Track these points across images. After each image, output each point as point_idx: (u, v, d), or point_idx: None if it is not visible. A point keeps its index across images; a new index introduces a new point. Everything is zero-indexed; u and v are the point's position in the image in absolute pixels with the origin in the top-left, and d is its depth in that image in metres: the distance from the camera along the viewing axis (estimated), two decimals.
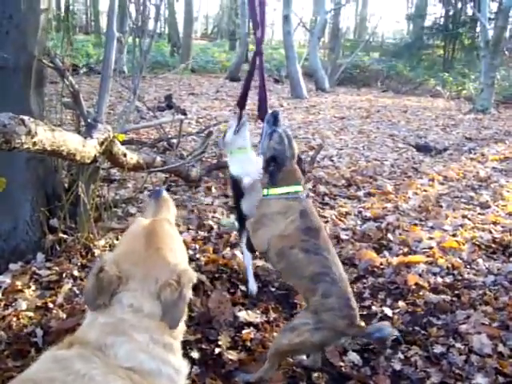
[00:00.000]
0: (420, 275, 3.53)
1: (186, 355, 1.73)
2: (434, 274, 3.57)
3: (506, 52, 17.01)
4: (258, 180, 2.86)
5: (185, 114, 7.89)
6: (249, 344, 2.73)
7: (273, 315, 3.01)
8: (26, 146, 2.25)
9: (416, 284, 3.40)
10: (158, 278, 1.58)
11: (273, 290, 3.35)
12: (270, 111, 2.91)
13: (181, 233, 3.93)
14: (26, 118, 2.25)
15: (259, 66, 3.16)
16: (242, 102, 3.33)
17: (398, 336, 2.66)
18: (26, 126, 2.21)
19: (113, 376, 1.38)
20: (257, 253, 3.69)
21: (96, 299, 1.56)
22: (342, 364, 2.63)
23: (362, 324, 2.36)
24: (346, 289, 2.38)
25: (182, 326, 1.66)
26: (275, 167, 2.59)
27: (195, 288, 3.12)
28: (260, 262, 3.59)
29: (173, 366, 1.54)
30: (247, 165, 3.20)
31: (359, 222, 4.55)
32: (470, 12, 23.80)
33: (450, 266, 3.69)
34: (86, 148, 2.91)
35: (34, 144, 2.30)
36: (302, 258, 2.40)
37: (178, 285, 1.57)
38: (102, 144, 3.17)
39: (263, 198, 2.66)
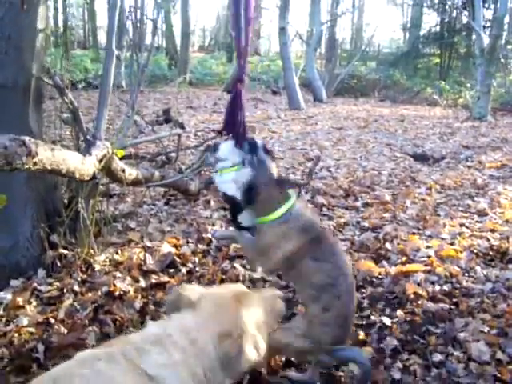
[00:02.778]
0: (418, 284, 3.55)
1: None
2: (433, 283, 3.59)
3: (502, 59, 17.10)
4: None
5: (183, 127, 7.93)
6: None
7: None
8: (26, 167, 2.29)
9: (414, 293, 3.42)
10: (223, 323, 1.69)
11: None
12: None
13: (180, 246, 3.97)
14: (26, 138, 2.28)
15: (239, 95, 2.97)
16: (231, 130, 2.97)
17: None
18: (26, 146, 2.25)
19: (131, 376, 1.46)
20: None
21: (171, 311, 1.76)
22: (341, 374, 2.64)
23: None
24: (349, 305, 2.41)
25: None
26: (253, 195, 2.47)
27: None
28: (259, 274, 3.61)
29: None
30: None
31: (357, 233, 4.57)
32: (464, 20, 23.95)
33: (448, 274, 3.71)
34: (85, 166, 2.95)
35: (35, 164, 2.34)
36: (312, 266, 2.40)
37: (239, 339, 1.67)
38: (100, 161, 3.21)
39: (259, 227, 2.55)
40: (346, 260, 2.54)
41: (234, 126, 2.92)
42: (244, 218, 2.73)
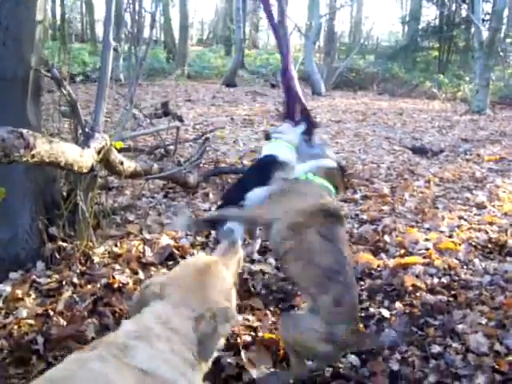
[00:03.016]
0: (417, 276, 3.55)
1: None
2: (431, 275, 3.60)
3: (501, 53, 17.08)
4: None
5: (181, 120, 7.92)
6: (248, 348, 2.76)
7: (271, 318, 3.03)
8: (24, 159, 2.28)
9: (413, 285, 3.42)
10: (195, 308, 1.68)
11: (272, 293, 3.37)
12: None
13: (179, 239, 3.97)
14: (24, 131, 2.28)
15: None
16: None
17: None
18: (24, 139, 2.24)
19: (125, 374, 1.47)
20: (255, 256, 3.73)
21: (137, 311, 1.71)
22: (340, 365, 2.65)
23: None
24: (356, 297, 2.45)
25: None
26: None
27: None
28: (258, 266, 3.62)
29: (188, 380, 1.59)
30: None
31: (356, 225, 4.58)
32: (464, 14, 23.91)
33: (446, 266, 3.72)
34: (84, 158, 2.95)
35: (33, 156, 2.33)
36: (318, 241, 2.37)
37: (213, 320, 1.67)
38: (99, 153, 3.21)
39: (303, 180, 2.72)
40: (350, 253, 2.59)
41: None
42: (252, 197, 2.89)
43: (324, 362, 2.54)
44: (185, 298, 1.71)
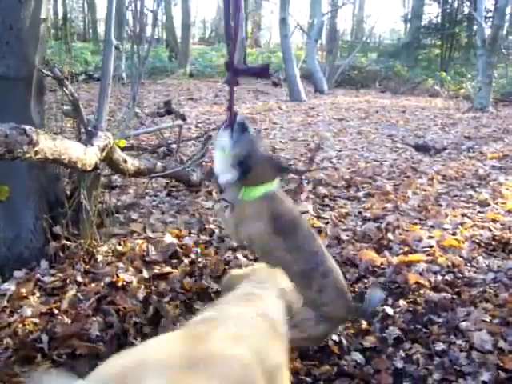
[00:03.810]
0: (420, 274, 3.56)
1: None
2: (435, 273, 3.60)
3: (504, 50, 17.04)
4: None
5: (184, 119, 7.90)
6: None
7: None
8: (27, 156, 2.28)
9: (416, 283, 3.43)
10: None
11: None
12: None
13: (182, 237, 3.98)
14: (27, 127, 2.28)
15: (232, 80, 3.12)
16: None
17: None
18: (27, 135, 2.24)
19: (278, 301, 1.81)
20: None
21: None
22: (344, 363, 2.66)
23: (357, 305, 2.57)
24: (338, 277, 2.52)
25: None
26: (245, 169, 2.53)
27: (199, 294, 3.19)
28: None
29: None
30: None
31: (359, 223, 4.58)
32: (466, 11, 23.85)
33: (450, 264, 3.72)
34: (87, 156, 2.94)
35: (36, 153, 2.33)
36: (288, 258, 2.45)
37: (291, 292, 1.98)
38: (102, 151, 3.21)
39: (239, 202, 2.59)
40: (320, 242, 2.62)
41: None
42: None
43: (322, 341, 2.72)
44: (271, 278, 1.95)
